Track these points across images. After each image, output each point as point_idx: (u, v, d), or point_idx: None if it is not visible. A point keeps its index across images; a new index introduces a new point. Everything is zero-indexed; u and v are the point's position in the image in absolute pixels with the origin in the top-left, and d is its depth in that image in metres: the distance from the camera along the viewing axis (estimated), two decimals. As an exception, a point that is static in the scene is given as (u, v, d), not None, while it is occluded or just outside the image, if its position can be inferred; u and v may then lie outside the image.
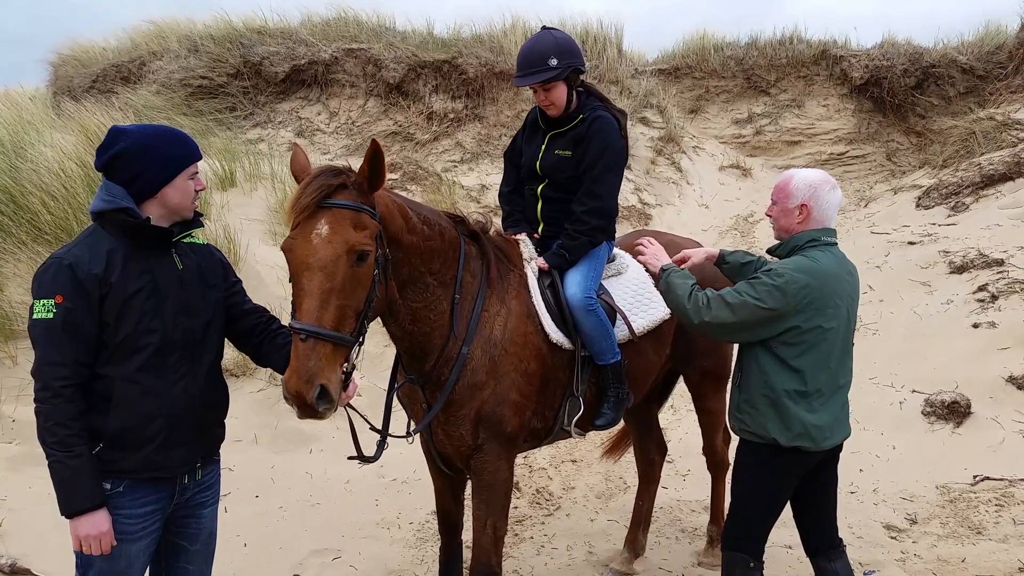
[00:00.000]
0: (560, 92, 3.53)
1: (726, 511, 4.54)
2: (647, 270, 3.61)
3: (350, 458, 3.17)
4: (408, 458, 5.63)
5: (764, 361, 3.06)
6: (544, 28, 3.66)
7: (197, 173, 2.64)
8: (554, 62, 3.46)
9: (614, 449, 5.07)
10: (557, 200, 3.69)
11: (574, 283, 3.51)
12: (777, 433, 3.01)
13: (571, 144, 3.60)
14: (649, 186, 12.30)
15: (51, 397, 2.42)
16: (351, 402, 2.87)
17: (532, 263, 3.53)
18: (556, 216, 3.70)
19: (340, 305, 2.54)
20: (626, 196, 11.34)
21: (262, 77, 13.15)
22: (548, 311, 3.39)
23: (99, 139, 7.24)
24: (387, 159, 9.49)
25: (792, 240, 3.16)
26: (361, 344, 2.69)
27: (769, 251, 3.38)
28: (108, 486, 2.49)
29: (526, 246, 3.62)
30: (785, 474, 3.12)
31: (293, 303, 2.60)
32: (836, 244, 3.19)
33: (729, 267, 3.55)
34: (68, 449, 2.42)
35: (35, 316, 2.44)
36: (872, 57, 15.03)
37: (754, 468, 3.15)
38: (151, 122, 10.33)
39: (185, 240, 2.70)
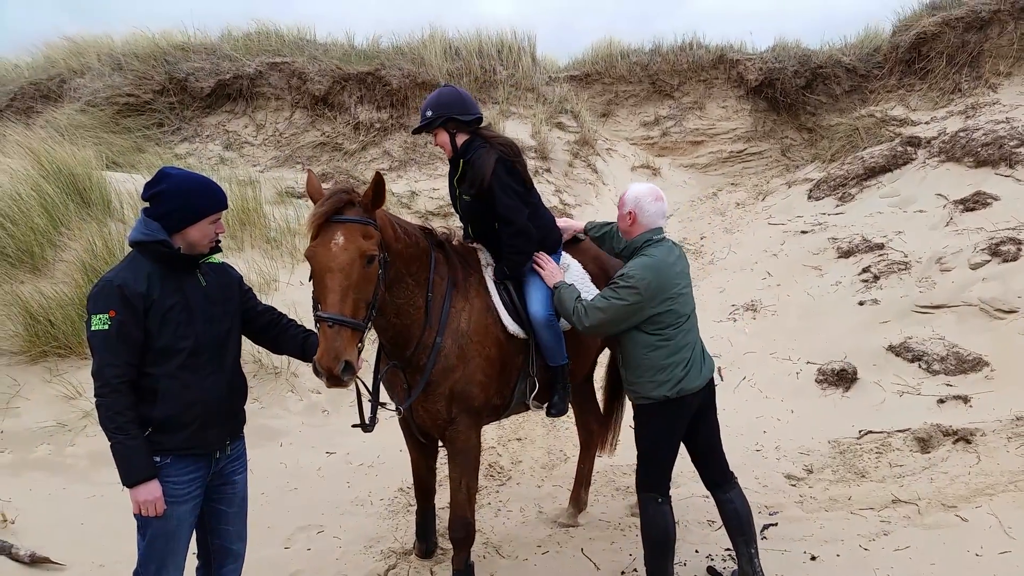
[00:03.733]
0: (443, 137, 4.19)
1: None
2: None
3: (354, 426, 3.87)
4: (372, 445, 6.27)
5: (640, 340, 3.89)
6: (443, 86, 4.34)
7: (219, 219, 3.23)
8: (429, 113, 4.15)
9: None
10: (484, 234, 4.34)
11: (536, 302, 4.17)
12: (664, 391, 3.84)
13: (468, 189, 4.19)
14: (568, 187, 13.08)
15: (110, 392, 2.98)
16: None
17: (488, 269, 4.22)
18: (490, 242, 4.34)
19: (355, 299, 3.22)
20: (548, 198, 12.09)
21: (188, 92, 13.36)
22: (505, 307, 4.10)
23: (49, 163, 7.59)
24: (316, 169, 10.02)
25: (632, 243, 4.02)
26: (370, 328, 3.36)
27: (616, 252, 4.30)
28: (157, 459, 3.05)
29: (483, 253, 4.31)
30: (675, 420, 3.95)
31: (316, 298, 3.26)
32: (664, 239, 4.03)
33: (595, 238, 4.48)
34: (126, 432, 2.98)
35: (93, 328, 2.99)
36: (765, 60, 16.13)
37: (651, 423, 3.96)
38: (79, 139, 10.54)
39: (206, 261, 3.29)
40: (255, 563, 4.21)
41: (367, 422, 3.81)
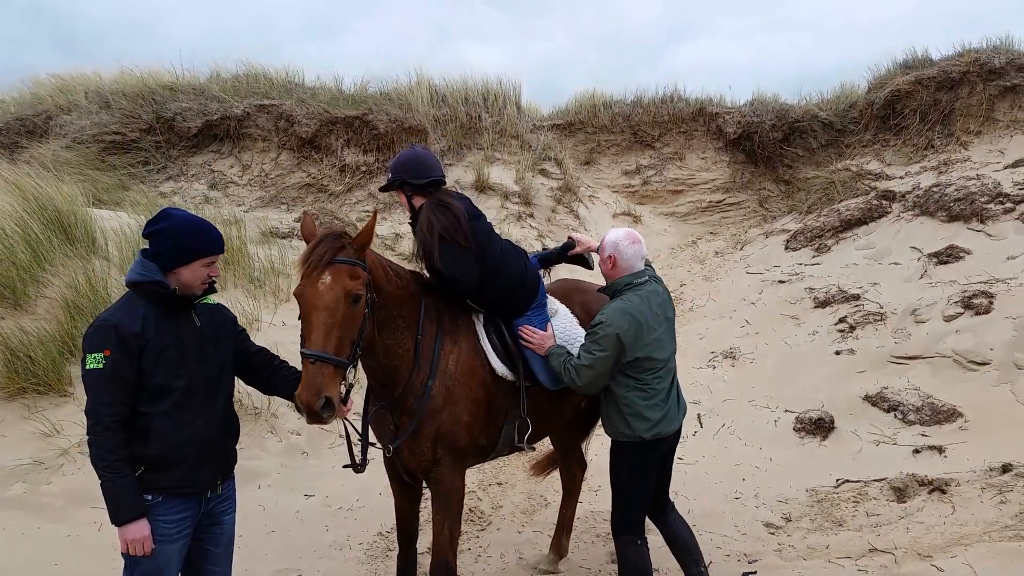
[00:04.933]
0: (402, 198, 4.28)
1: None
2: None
3: (345, 466, 3.90)
4: (351, 489, 6.25)
5: (620, 381, 4.00)
6: (410, 146, 4.41)
7: (214, 263, 3.28)
8: (389, 175, 4.26)
9: (540, 469, 5.82)
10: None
11: (541, 373, 4.25)
12: (641, 431, 3.95)
13: (420, 257, 4.22)
14: (551, 232, 13.23)
15: (102, 430, 3.00)
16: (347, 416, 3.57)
17: (479, 313, 4.28)
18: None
19: (339, 336, 3.28)
20: (531, 242, 12.21)
21: (175, 132, 13.46)
22: (493, 349, 4.15)
23: (34, 199, 7.57)
24: (301, 210, 10.10)
25: (614, 284, 4.12)
26: (355, 367, 3.41)
27: (599, 290, 4.38)
28: (149, 498, 3.07)
29: None
30: (649, 461, 4.05)
31: (303, 335, 3.32)
32: (645, 282, 4.11)
33: None
34: (117, 471, 2.99)
35: (88, 367, 3.02)
36: (744, 114, 16.52)
37: (627, 463, 4.05)
38: (65, 176, 10.53)
39: (201, 302, 3.33)
40: (233, 606, 4.17)
41: (358, 463, 3.83)
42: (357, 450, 3.90)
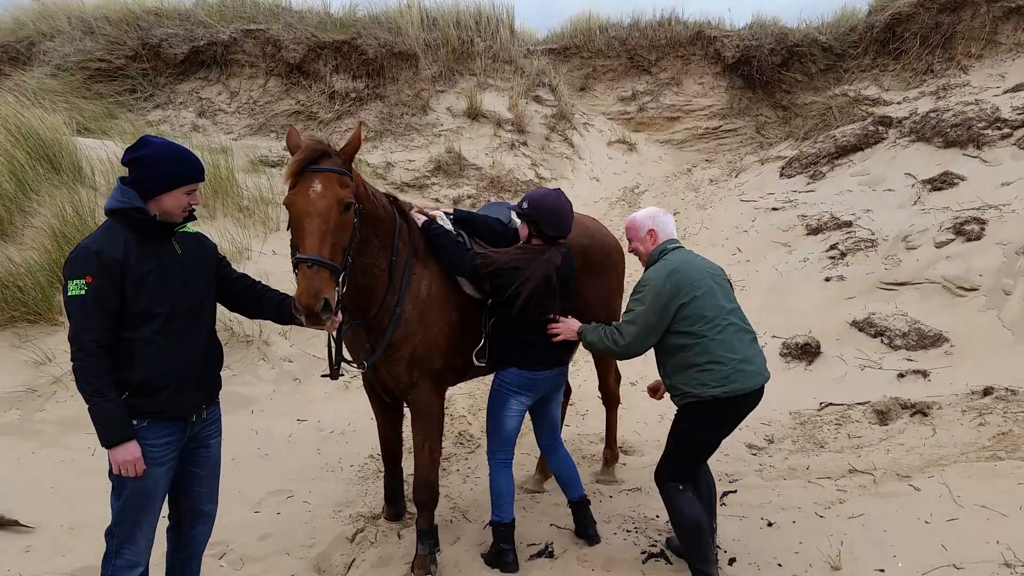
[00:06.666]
0: (523, 229, 4.24)
1: (617, 437, 5.51)
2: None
3: (323, 375, 4.02)
4: (342, 413, 6.37)
5: (673, 342, 3.88)
6: (554, 192, 4.29)
7: (195, 190, 3.26)
8: (525, 205, 4.19)
9: None
10: None
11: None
12: (708, 389, 3.78)
13: None
14: (545, 161, 13.11)
15: (86, 356, 3.02)
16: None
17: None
18: None
19: (332, 243, 3.33)
20: (524, 171, 12.13)
21: (161, 59, 13.20)
22: None
23: (18, 128, 7.46)
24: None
25: (651, 256, 4.12)
26: (346, 273, 3.46)
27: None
28: (135, 422, 3.11)
29: (444, 221, 4.36)
30: (724, 423, 3.93)
31: (295, 244, 3.36)
32: (680, 247, 4.13)
33: None
34: (103, 395, 3.02)
35: (69, 293, 3.03)
36: (743, 38, 16.14)
37: (697, 421, 3.91)
38: (50, 104, 10.36)
39: (181, 230, 3.33)
40: (225, 526, 4.29)
41: (334, 368, 3.92)
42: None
